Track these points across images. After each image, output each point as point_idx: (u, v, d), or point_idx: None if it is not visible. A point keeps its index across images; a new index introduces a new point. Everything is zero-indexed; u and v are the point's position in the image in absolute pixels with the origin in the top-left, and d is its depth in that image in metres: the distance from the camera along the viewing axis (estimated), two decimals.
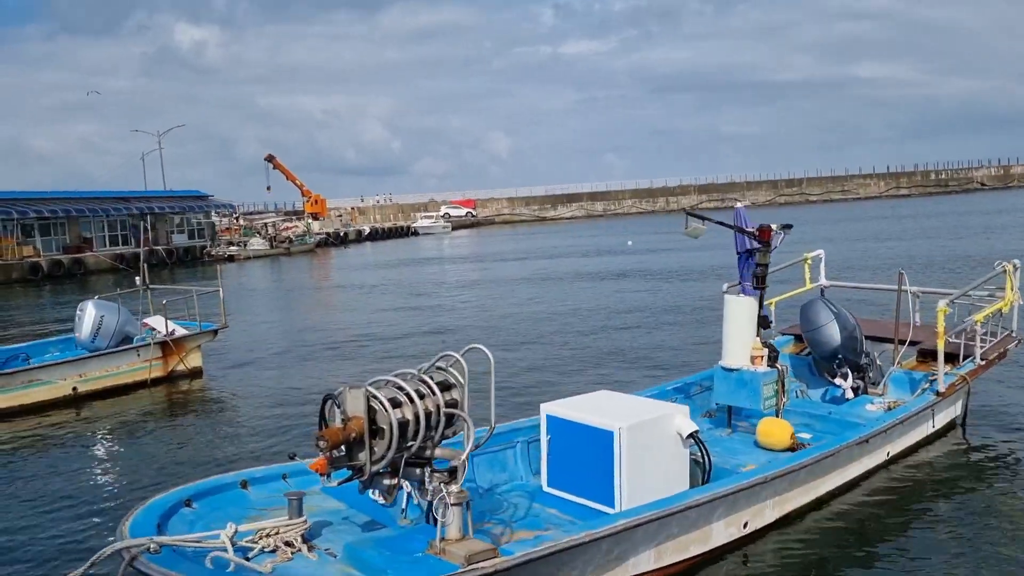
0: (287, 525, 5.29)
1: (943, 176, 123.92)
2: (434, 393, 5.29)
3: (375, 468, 5.06)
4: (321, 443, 4.86)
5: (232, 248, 60.85)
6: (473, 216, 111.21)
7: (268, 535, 5.20)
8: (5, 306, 35.94)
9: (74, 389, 14.50)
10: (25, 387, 13.90)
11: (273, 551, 5.20)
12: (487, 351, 5.57)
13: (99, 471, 10.85)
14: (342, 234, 79.40)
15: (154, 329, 15.96)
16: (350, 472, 5.16)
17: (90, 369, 14.73)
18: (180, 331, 16.10)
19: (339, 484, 5.25)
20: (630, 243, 52.24)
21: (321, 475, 5.02)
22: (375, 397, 5.05)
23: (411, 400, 5.14)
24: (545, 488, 6.96)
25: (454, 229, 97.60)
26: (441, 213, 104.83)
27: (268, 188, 79.46)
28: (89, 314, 15.43)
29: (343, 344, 19.59)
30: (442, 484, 5.04)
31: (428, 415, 5.22)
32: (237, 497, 6.24)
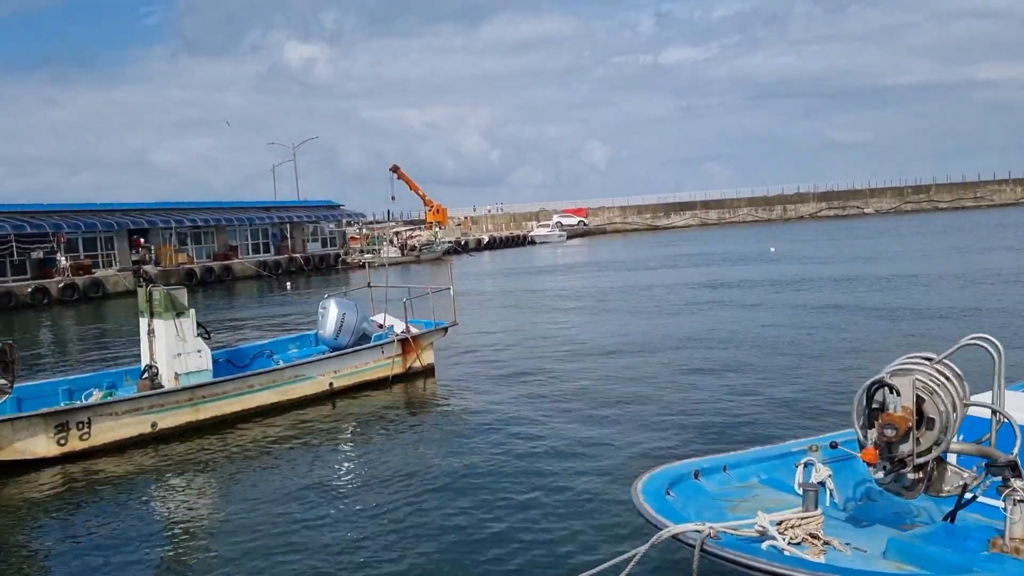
0: (805, 517, 5.15)
1: None
2: (959, 383, 5.07)
3: (919, 460, 4.87)
4: (888, 431, 4.70)
5: (367, 256, 62.43)
6: (585, 225, 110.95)
7: (793, 526, 5.08)
8: None
9: (330, 385, 14.97)
10: (292, 382, 14.43)
11: (798, 543, 5.07)
12: (995, 343, 5.29)
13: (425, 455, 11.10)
14: (463, 243, 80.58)
15: (392, 327, 16.37)
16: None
17: (344, 366, 15.19)
18: (413, 329, 16.44)
19: (885, 475, 5.04)
20: (772, 250, 50.86)
21: (870, 464, 4.86)
22: (926, 385, 4.87)
23: (946, 389, 4.93)
24: None
25: (569, 238, 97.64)
26: (554, 222, 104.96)
27: (392, 198, 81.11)
28: (332, 312, 15.95)
29: (555, 345, 19.64)
30: (1012, 479, 4.80)
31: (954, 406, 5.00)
32: (695, 487, 6.19)
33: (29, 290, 41.75)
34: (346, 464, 11.45)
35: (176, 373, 13.60)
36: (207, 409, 13.44)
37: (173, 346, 13.60)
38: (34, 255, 44.82)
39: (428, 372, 16.50)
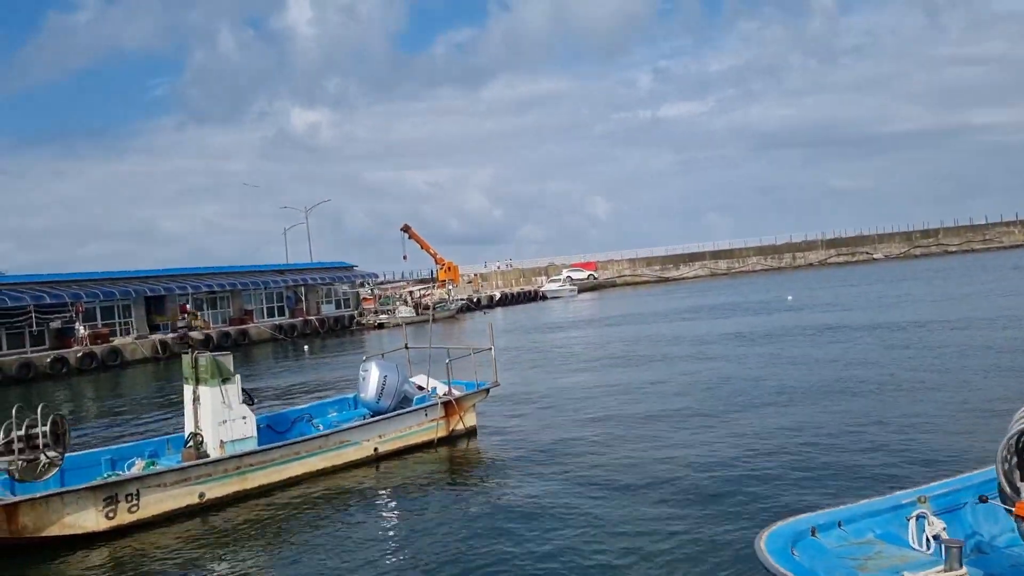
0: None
1: None
2: None
3: None
4: None
5: (382, 316, 62.45)
6: (595, 278, 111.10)
7: None
8: None
9: (375, 450, 14.71)
10: (337, 448, 14.18)
11: None
12: None
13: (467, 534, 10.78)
14: (476, 300, 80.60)
15: (435, 389, 16.16)
16: None
17: (388, 430, 14.94)
18: (455, 391, 16.22)
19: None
20: (790, 298, 50.66)
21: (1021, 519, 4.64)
22: None
23: None
24: None
25: (580, 292, 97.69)
26: (563, 276, 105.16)
27: (404, 257, 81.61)
28: (373, 374, 15.77)
29: (600, 403, 19.33)
30: None
31: None
32: (815, 545, 5.94)
33: (48, 360, 41.66)
34: (393, 534, 11.05)
35: (222, 441, 13.37)
36: (254, 478, 13.18)
37: (219, 413, 13.41)
38: (52, 325, 44.85)
39: (471, 434, 16.20)
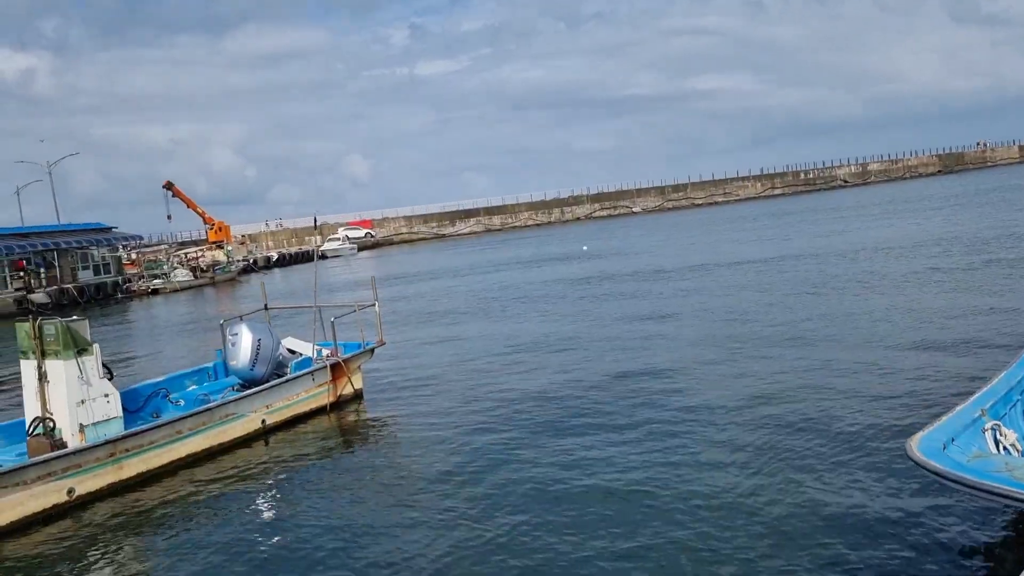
0: None
1: (811, 176, 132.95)
2: None
3: None
4: None
5: (156, 281, 56.69)
6: (372, 236, 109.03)
7: None
8: None
9: (263, 422, 12.97)
10: (222, 423, 12.30)
11: None
12: None
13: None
14: (253, 261, 75.91)
15: (319, 352, 14.58)
16: None
17: (275, 399, 13.22)
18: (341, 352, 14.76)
19: None
20: (585, 248, 52.67)
21: None
22: None
23: None
24: None
25: (359, 251, 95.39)
26: (341, 235, 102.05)
27: (169, 217, 74.30)
28: (245, 338, 13.90)
29: (464, 351, 18.58)
30: None
31: None
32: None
33: None
34: (296, 517, 9.49)
35: (81, 424, 11.05)
36: (132, 465, 11.06)
37: (76, 392, 11.03)
38: None
39: (359, 397, 14.83)
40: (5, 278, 52.78)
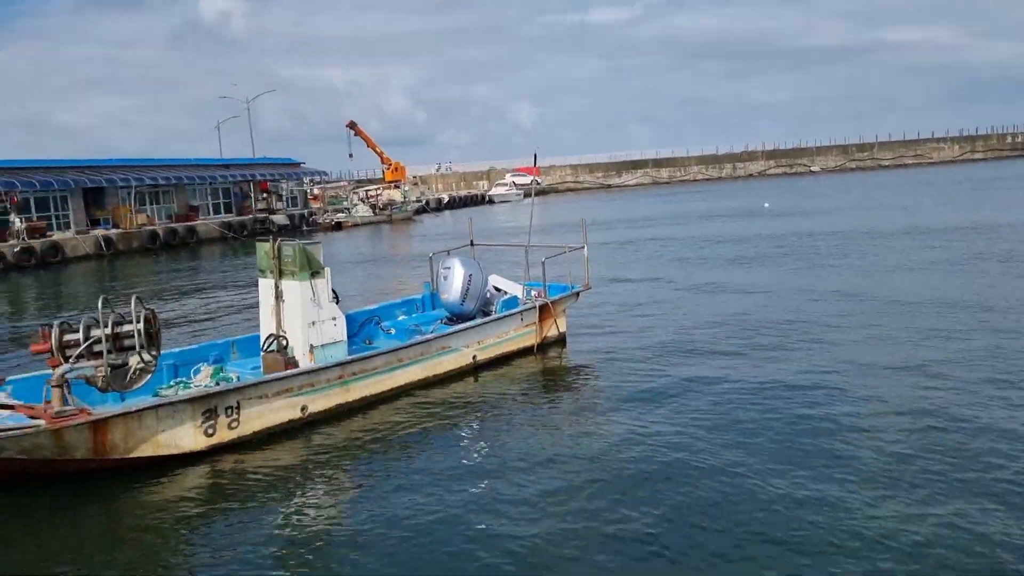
0: None
1: (1019, 139, 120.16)
2: None
3: None
4: None
5: (339, 215, 59.37)
6: (539, 184, 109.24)
7: None
8: (168, 272, 34.60)
9: (473, 357, 12.98)
10: (438, 356, 12.39)
11: None
12: None
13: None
14: (426, 202, 77.95)
15: (529, 291, 14.42)
16: None
17: (485, 336, 13.19)
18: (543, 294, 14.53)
19: None
20: (767, 205, 50.15)
21: None
22: None
23: None
24: None
25: (525, 196, 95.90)
26: (507, 181, 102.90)
27: (350, 156, 77.65)
28: (458, 273, 13.90)
29: (670, 300, 17.96)
30: None
31: None
32: None
33: None
34: (504, 457, 9.38)
35: (311, 346, 11.41)
36: (357, 388, 11.33)
37: (308, 313, 11.39)
38: None
39: (562, 341, 14.61)
40: (208, 206, 56.94)
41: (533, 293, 14.33)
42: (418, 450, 9.87)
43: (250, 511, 8.36)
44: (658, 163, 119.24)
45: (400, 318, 14.77)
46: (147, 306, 9.25)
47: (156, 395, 10.48)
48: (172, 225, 50.41)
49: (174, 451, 9.43)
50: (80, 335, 8.85)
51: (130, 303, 9.12)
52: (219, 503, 8.67)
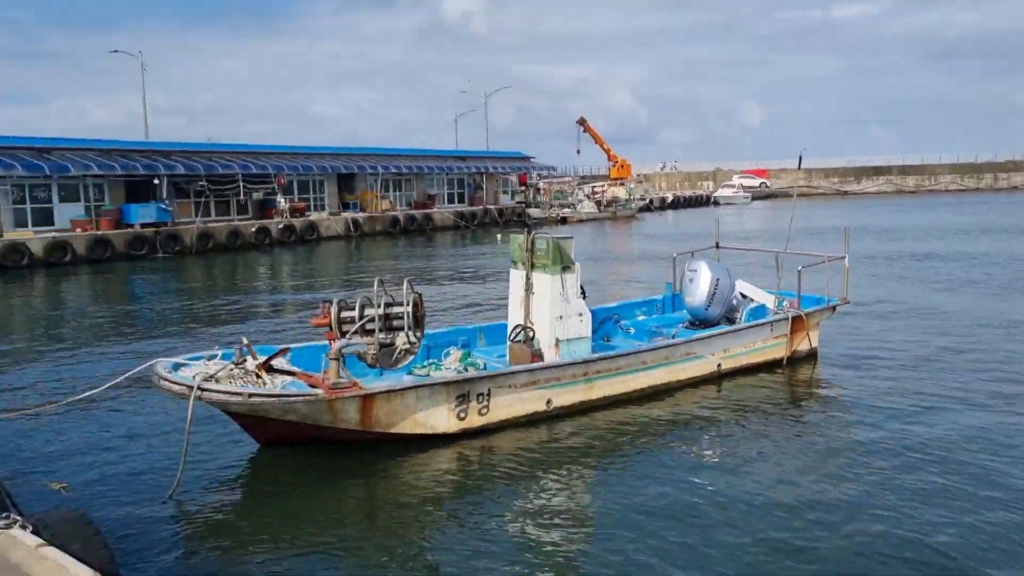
0: None
1: None
2: None
3: None
4: None
5: (565, 210, 60.22)
6: (767, 187, 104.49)
7: None
8: (410, 253, 36.85)
9: (718, 366, 12.46)
10: (683, 361, 12.01)
11: None
12: None
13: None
14: (650, 200, 77.10)
15: (780, 300, 13.66)
16: None
17: (732, 345, 12.62)
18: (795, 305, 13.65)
19: None
20: None
21: None
22: None
23: None
24: None
25: (753, 199, 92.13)
26: (734, 183, 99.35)
27: (578, 152, 78.29)
28: (704, 276, 13.39)
29: (950, 328, 16.33)
30: None
31: None
32: None
33: (253, 230, 42.10)
34: (750, 474, 8.88)
35: (557, 339, 11.44)
36: (600, 386, 11.22)
37: (556, 307, 11.42)
38: (255, 196, 45.21)
39: (812, 357, 13.67)
40: (444, 195, 59.91)
41: (785, 303, 13.51)
42: (662, 451, 9.70)
43: (497, 497, 8.55)
44: (904, 170, 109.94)
45: (640, 318, 14.53)
46: (416, 290, 9.67)
47: (410, 373, 10.99)
48: (411, 212, 53.56)
49: (428, 431, 9.81)
50: (356, 313, 9.41)
51: (401, 285, 9.58)
52: (468, 485, 8.93)
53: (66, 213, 37.59)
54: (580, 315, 11.69)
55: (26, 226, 36.36)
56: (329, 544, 7.46)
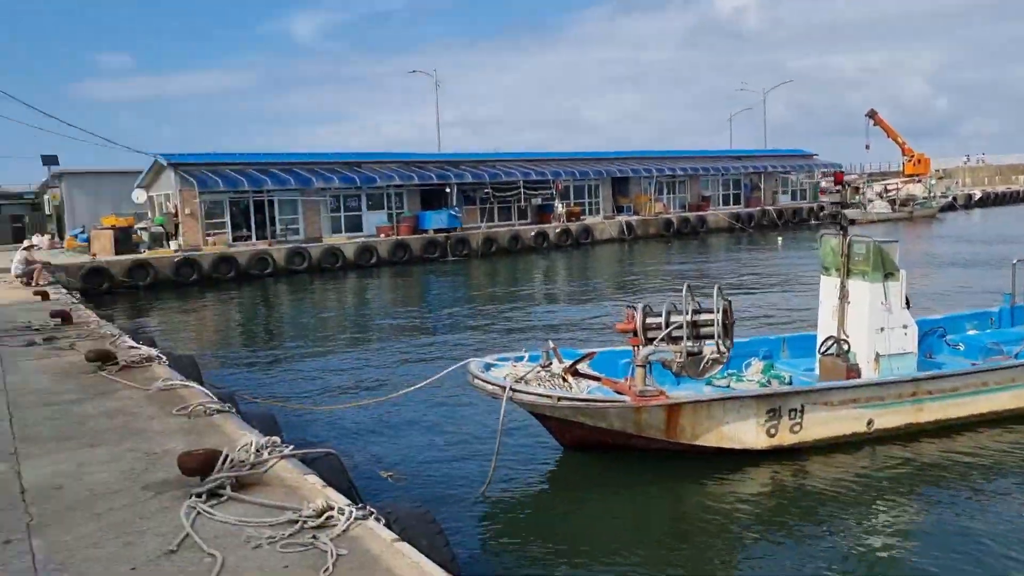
0: None
1: None
2: None
3: None
4: None
5: (851, 211, 55.74)
6: None
7: None
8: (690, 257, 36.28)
9: None
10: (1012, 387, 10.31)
11: None
12: None
13: None
14: (953, 198, 69.08)
15: None
16: None
17: None
18: None
19: None
20: None
21: None
22: None
23: None
24: None
25: None
26: None
27: (867, 147, 72.12)
28: None
29: None
30: None
31: None
32: None
33: (532, 234, 43.64)
34: None
35: (877, 354, 10.32)
36: (931, 409, 9.95)
37: (877, 318, 10.31)
38: (534, 201, 46.89)
39: None
40: (718, 197, 58.15)
41: None
42: (1010, 493, 8.29)
43: (809, 525, 7.86)
44: None
45: (970, 332, 12.78)
46: (726, 298, 9.18)
47: (709, 384, 10.49)
48: (685, 214, 52.54)
49: (735, 445, 9.28)
50: (662, 319, 9.13)
51: (711, 292, 9.15)
52: (778, 509, 8.29)
53: (372, 220, 41.57)
54: (905, 328, 10.48)
55: (340, 232, 40.75)
56: (635, 553, 7.31)
